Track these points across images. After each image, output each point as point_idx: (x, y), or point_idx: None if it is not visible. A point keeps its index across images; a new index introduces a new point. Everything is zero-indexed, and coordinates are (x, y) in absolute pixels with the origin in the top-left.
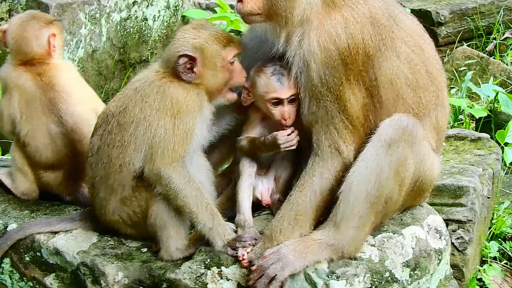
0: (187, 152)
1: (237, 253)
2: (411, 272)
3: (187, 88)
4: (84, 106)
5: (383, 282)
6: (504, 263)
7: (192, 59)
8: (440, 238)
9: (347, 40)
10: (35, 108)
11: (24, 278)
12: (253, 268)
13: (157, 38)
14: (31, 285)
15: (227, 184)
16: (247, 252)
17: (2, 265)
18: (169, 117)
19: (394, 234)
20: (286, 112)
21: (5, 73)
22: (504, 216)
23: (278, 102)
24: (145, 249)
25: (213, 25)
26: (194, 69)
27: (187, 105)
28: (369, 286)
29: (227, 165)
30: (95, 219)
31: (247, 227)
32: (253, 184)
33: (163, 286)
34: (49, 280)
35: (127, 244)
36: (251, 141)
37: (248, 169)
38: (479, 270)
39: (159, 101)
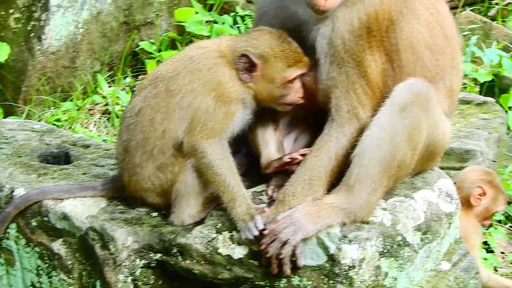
0: (225, 133)
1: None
2: (423, 236)
3: (236, 80)
4: None
5: (394, 246)
6: (509, 226)
7: (253, 64)
8: (451, 201)
9: (375, 6)
10: None
11: (31, 244)
12: (265, 232)
13: (162, 0)
14: (38, 250)
15: None
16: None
17: (8, 230)
18: (212, 96)
19: (405, 198)
20: None
21: None
22: (508, 180)
23: None
24: (155, 214)
25: (290, 41)
26: (253, 73)
27: (230, 93)
28: (381, 250)
29: None
30: (120, 189)
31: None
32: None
33: (173, 251)
34: (57, 245)
35: (136, 209)
36: None
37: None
38: (485, 233)
39: (208, 78)
